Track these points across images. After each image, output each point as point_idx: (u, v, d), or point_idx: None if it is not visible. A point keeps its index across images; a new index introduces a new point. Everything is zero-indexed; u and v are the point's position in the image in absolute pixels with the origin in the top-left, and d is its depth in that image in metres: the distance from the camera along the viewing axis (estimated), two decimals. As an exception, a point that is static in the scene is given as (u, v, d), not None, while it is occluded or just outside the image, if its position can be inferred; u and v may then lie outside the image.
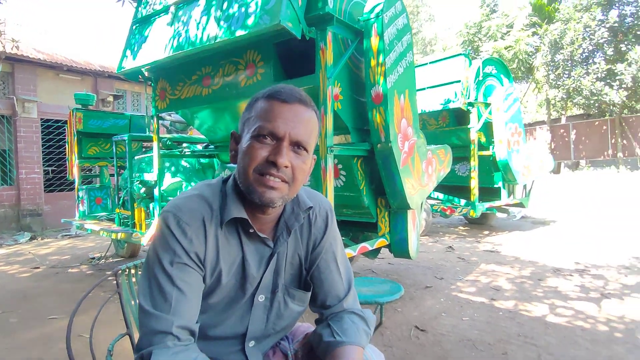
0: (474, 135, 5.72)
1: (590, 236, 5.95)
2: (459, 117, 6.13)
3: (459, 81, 5.69)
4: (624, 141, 15.32)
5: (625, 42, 13.48)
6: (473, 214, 5.80)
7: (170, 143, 3.85)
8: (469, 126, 5.80)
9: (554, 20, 14.59)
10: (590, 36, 13.38)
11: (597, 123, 16.07)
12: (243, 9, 2.35)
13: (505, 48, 15.15)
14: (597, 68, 13.39)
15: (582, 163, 17.35)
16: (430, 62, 6.28)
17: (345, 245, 2.46)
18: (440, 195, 7.46)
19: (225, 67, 2.95)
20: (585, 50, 13.54)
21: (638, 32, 13.25)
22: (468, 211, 5.87)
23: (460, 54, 5.75)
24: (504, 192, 6.19)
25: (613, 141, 15.55)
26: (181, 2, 2.87)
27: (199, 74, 3.14)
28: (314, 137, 0.92)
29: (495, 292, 3.48)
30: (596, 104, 13.95)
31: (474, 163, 5.75)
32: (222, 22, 2.48)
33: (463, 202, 6.23)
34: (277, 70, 2.69)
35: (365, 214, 3.11)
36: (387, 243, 3.14)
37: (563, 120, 17.58)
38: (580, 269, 4.20)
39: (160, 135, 4.14)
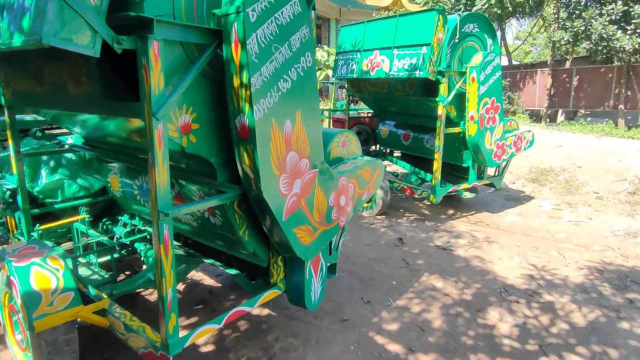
0: (441, 110, 4.88)
1: (560, 222, 5.40)
2: (428, 86, 5.21)
3: (429, 44, 4.70)
4: (628, 92, 14.18)
5: (650, -22, 11.78)
6: (433, 200, 5.17)
7: (40, 134, 3.10)
8: (436, 99, 4.92)
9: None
10: (610, -30, 11.63)
11: (602, 70, 14.77)
12: (17, 17, 1.49)
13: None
14: (613, 9, 11.84)
15: (580, 112, 16.32)
16: (399, 16, 5.19)
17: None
18: (403, 170, 6.78)
19: (55, 72, 2.12)
20: (602, -13, 11.86)
21: (666, -34, 11.52)
22: (428, 196, 5.23)
23: (434, 9, 4.67)
24: (473, 173, 5.50)
25: (617, 91, 14.41)
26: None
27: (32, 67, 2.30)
28: None
29: (418, 336, 2.97)
30: (604, 51, 12.59)
31: (439, 142, 4.98)
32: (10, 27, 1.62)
33: (426, 184, 5.57)
34: (105, 89, 1.87)
35: (253, 257, 2.47)
36: (281, 292, 2.55)
37: (567, 65, 16.17)
38: (532, 289, 3.68)
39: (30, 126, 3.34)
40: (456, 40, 4.90)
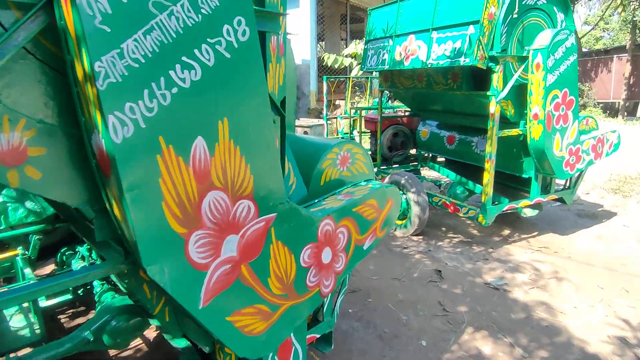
0: (494, 108, 3.78)
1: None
2: (478, 77, 4.12)
3: (477, 22, 3.63)
4: None
5: None
6: (482, 221, 4.08)
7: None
8: (488, 92, 3.83)
9: None
10: None
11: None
12: None
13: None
14: None
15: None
16: (440, -11, 4.14)
17: None
18: (447, 179, 5.68)
19: None
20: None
21: None
22: (476, 215, 4.14)
23: (484, -23, 3.59)
24: (536, 186, 4.32)
25: None
26: None
27: None
28: None
29: None
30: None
31: (490, 148, 3.88)
32: None
33: (475, 197, 4.47)
34: None
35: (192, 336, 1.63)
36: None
37: (651, 48, 13.91)
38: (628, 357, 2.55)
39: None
40: (514, 16, 3.77)
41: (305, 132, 11.32)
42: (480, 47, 3.65)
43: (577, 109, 4.02)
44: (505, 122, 4.12)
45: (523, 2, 3.79)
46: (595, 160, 4.37)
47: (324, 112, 7.25)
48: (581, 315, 3.13)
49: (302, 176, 1.88)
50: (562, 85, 3.82)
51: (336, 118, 7.25)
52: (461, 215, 4.36)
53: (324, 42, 17.18)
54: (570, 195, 4.65)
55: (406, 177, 4.69)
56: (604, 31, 28.02)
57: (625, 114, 13.78)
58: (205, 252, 1.19)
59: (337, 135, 7.29)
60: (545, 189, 4.50)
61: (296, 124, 11.22)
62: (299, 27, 13.15)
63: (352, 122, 6.54)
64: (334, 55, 11.71)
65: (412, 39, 4.43)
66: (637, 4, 12.05)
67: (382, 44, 4.96)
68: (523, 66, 3.82)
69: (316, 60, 13.29)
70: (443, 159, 5.74)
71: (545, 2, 3.96)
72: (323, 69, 13.63)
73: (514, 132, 4.03)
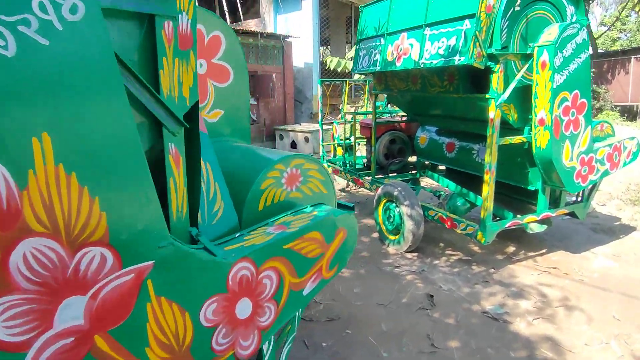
0: (493, 113, 3.36)
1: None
2: (476, 78, 3.70)
3: (473, 15, 3.22)
4: None
5: None
6: (481, 239, 3.64)
7: None
8: (487, 95, 3.41)
9: None
10: None
11: None
12: None
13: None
14: None
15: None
16: (433, -19, 3.74)
17: None
18: (447, 190, 5.25)
19: None
20: None
21: None
22: (474, 232, 3.70)
23: (481, -36, 3.18)
24: (543, 199, 3.86)
25: None
26: None
27: None
28: None
29: None
30: None
31: (490, 159, 3.45)
32: None
33: (476, 209, 4.03)
34: None
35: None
36: None
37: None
38: None
39: None
40: (517, 9, 3.35)
41: (306, 139, 10.94)
42: (477, 44, 3.24)
43: (590, 113, 3.56)
44: (507, 127, 3.70)
45: (526, -7, 3.38)
46: (611, 171, 3.90)
47: (319, 116, 6.88)
48: (592, 353, 2.67)
49: (235, 200, 1.51)
50: (572, 87, 3.38)
51: (332, 123, 6.86)
52: (458, 231, 3.93)
53: (329, 46, 16.83)
54: (583, 210, 4.17)
55: (399, 188, 4.29)
56: (620, 32, 27.16)
57: (645, 117, 13.10)
58: (22, 325, 0.83)
59: (334, 141, 6.90)
60: (555, 202, 4.03)
61: (297, 130, 10.86)
62: (302, 30, 12.83)
63: (350, 127, 6.15)
64: (337, 58, 11.36)
65: (404, 37, 4.04)
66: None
67: (373, 44, 4.58)
68: (527, 65, 3.39)
69: (319, 64, 12.94)
70: (444, 168, 5.31)
71: (552, -7, 3.53)
72: (327, 73, 13.27)
73: (517, 139, 3.60)
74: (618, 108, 13.72)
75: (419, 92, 4.36)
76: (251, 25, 14.68)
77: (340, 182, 6.98)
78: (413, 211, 4.14)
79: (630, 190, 6.14)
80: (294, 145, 11.41)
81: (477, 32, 3.23)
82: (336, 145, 6.88)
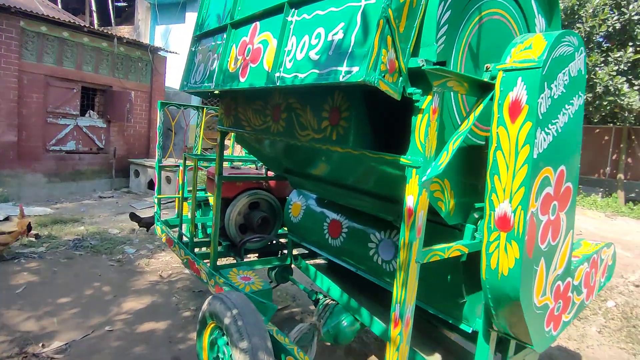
0: (414, 196, 1.49)
1: None
2: (383, 117, 1.87)
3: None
4: (629, 159, 11.80)
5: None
6: None
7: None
8: (402, 158, 1.56)
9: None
10: (622, 9, 9.32)
11: (597, 131, 12.45)
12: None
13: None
14: (621, 57, 9.43)
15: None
16: None
17: None
18: (329, 297, 3.31)
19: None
20: (612, 28, 9.48)
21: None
22: None
23: None
24: (485, 349, 2.07)
25: (615, 157, 12.03)
26: None
27: None
28: None
29: None
30: (608, 107, 10.07)
31: (404, 274, 1.54)
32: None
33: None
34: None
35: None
36: None
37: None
38: None
39: None
40: (469, -13, 1.64)
41: (168, 179, 8.42)
42: (388, 43, 1.41)
43: (575, 206, 1.93)
44: (435, 224, 1.90)
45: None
46: (587, 302, 2.31)
47: (157, 156, 4.60)
48: None
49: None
50: (558, 159, 1.70)
51: (178, 166, 4.63)
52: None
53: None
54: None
55: (235, 311, 2.22)
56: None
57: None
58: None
59: (178, 192, 4.61)
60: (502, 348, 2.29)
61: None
62: (185, 46, 10.61)
63: (193, 176, 3.89)
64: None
65: (255, 28, 2.12)
66: None
67: (213, 43, 2.59)
68: (480, 105, 1.64)
69: (201, 89, 10.74)
70: (323, 260, 3.39)
71: (519, -18, 1.92)
72: (216, 98, 11.08)
73: (452, 250, 1.78)
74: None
75: (283, 137, 2.41)
76: (124, 32, 12.04)
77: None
78: (254, 356, 2.06)
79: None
80: (151, 185, 8.80)
81: (389, 19, 1.40)
82: (181, 198, 4.54)
